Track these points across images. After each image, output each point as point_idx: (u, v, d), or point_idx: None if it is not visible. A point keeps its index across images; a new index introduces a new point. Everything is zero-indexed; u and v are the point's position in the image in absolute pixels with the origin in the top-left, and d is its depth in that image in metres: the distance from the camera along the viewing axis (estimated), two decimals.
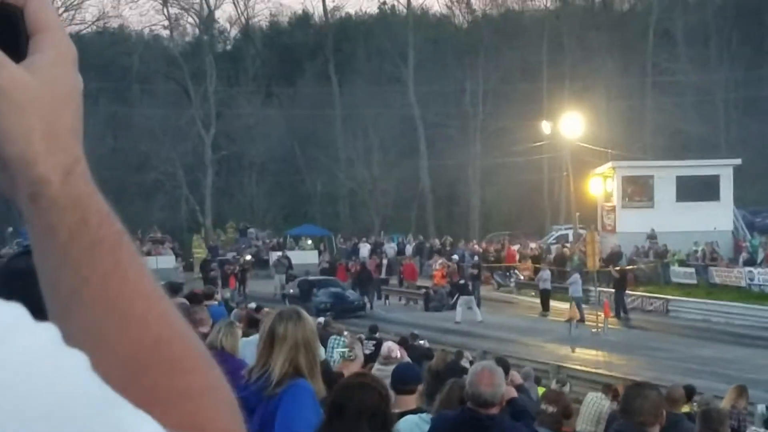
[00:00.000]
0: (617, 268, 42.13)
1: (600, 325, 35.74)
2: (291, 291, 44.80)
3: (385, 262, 51.39)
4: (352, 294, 44.49)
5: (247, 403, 5.02)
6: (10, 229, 63.61)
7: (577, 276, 39.07)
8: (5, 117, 0.98)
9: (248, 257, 54.07)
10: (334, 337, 19.64)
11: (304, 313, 5.79)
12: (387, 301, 47.26)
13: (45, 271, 1.04)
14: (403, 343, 21.27)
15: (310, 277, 47.14)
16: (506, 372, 8.25)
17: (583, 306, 38.39)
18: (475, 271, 45.23)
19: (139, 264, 1.06)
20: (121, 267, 1.03)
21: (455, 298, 41.14)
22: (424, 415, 10.02)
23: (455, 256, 50.32)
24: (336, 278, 48.13)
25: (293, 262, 52.40)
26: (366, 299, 44.85)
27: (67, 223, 1.01)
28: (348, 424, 4.90)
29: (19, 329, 0.86)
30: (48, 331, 0.88)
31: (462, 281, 42.02)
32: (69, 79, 1.05)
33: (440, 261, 48.00)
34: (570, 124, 55.06)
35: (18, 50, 1.02)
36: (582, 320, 36.68)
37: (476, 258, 49.09)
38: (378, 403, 4.97)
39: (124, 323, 1.02)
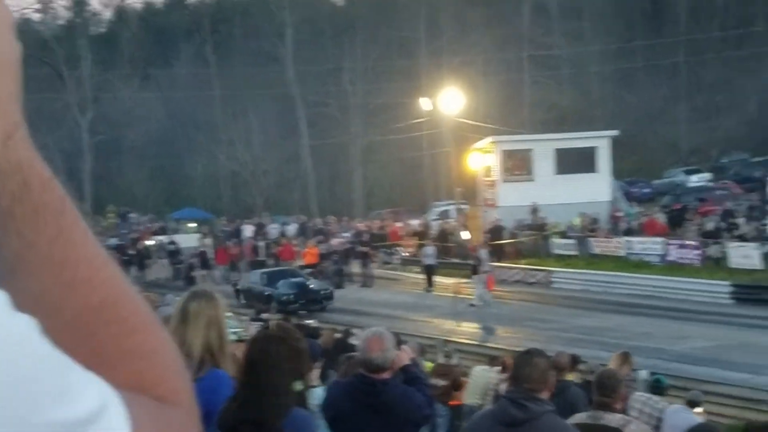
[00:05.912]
0: (493, 243, 42.30)
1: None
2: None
3: (262, 244, 50.90)
4: (315, 283, 39.60)
5: None
6: None
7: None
8: None
9: (149, 242, 52.63)
10: None
11: (217, 294, 5.79)
12: None
13: None
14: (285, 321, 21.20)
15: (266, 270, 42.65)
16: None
17: (468, 281, 38.76)
18: (365, 249, 45.41)
19: (83, 228, 1.05)
20: (65, 231, 1.02)
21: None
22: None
23: (347, 235, 50.40)
24: (295, 268, 43.62)
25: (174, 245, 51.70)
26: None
27: (9, 188, 0.99)
28: (263, 378, 4.86)
29: None
30: None
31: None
32: (6, 44, 1.02)
33: (310, 241, 48.07)
34: (449, 100, 55.15)
35: None
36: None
37: (367, 237, 49.03)
38: (290, 356, 4.94)
39: (70, 286, 1.01)
